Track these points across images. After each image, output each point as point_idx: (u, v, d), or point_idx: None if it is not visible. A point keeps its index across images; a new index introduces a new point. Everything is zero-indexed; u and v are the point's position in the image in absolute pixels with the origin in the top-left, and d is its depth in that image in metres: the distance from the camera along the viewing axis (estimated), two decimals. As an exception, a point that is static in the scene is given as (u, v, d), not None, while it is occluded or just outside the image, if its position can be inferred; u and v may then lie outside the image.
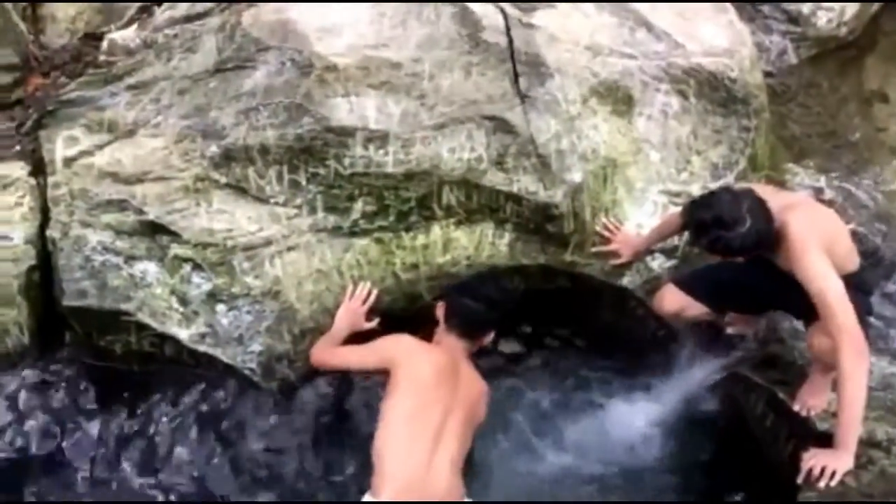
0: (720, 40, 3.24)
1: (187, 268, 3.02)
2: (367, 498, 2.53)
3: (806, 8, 3.89)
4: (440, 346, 2.78)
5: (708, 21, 3.28)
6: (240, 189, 3.08)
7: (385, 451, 2.54)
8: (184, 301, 3.00)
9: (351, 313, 2.98)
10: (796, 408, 2.84)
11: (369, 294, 3.02)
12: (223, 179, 3.07)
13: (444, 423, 2.58)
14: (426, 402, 2.59)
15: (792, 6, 3.88)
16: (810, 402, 2.84)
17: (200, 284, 3.02)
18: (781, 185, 3.38)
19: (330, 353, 2.88)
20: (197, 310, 3.00)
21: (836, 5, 3.91)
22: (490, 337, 2.85)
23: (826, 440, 2.73)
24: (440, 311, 2.83)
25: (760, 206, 2.59)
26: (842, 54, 4.01)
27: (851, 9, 3.93)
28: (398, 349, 2.71)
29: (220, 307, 3.01)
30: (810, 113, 3.80)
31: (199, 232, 3.02)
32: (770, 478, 2.90)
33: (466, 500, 2.61)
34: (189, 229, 3.01)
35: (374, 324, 3.00)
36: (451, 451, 2.58)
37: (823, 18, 3.92)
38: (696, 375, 3.05)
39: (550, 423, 3.09)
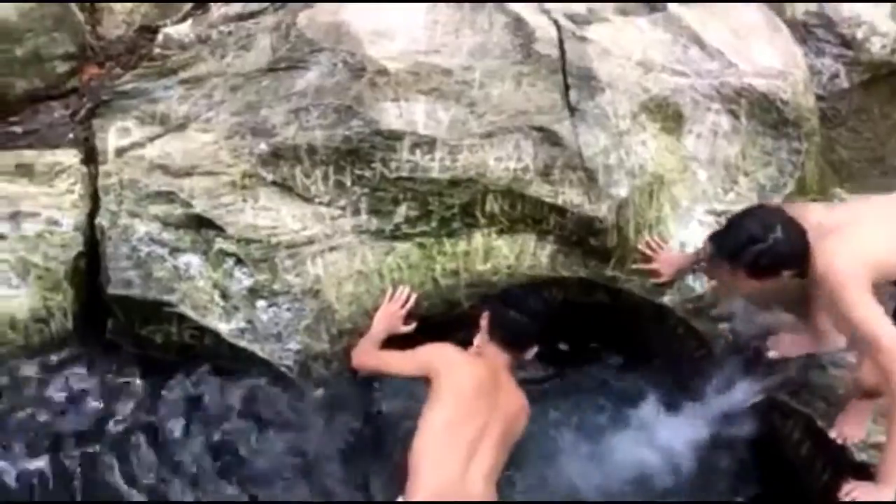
0: (774, 61, 3.22)
1: (230, 262, 3.04)
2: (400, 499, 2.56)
3: (860, 33, 3.86)
4: (482, 358, 2.77)
5: (762, 41, 3.26)
6: (286, 187, 3.11)
7: (420, 460, 2.55)
8: (225, 295, 3.03)
9: (389, 316, 2.99)
10: (833, 436, 2.80)
11: (408, 298, 3.03)
12: (270, 177, 3.10)
13: (482, 436, 2.58)
14: (464, 414, 2.58)
15: (846, 30, 3.84)
16: (848, 431, 2.79)
17: (242, 280, 3.04)
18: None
19: (370, 356, 2.89)
20: (238, 304, 3.03)
21: (891, 31, 3.86)
22: (533, 351, 2.83)
23: (863, 472, 2.70)
24: (484, 321, 2.83)
25: (783, 215, 2.52)
26: (894, 80, 3.96)
27: (906, 35, 3.88)
28: (440, 359, 2.71)
29: (261, 303, 3.04)
30: (860, 138, 3.76)
31: (243, 228, 3.04)
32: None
33: None
34: (234, 225, 3.04)
35: (411, 328, 3.01)
36: (486, 465, 2.57)
37: (877, 44, 3.88)
38: (733, 398, 3.02)
39: (578, 440, 3.06)
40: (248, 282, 3.05)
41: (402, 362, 2.81)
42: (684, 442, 3.01)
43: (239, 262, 3.04)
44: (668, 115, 3.15)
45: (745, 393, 3.02)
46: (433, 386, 2.65)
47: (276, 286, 3.04)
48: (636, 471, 2.92)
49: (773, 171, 3.21)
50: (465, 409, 2.59)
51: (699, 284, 3.13)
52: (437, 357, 2.72)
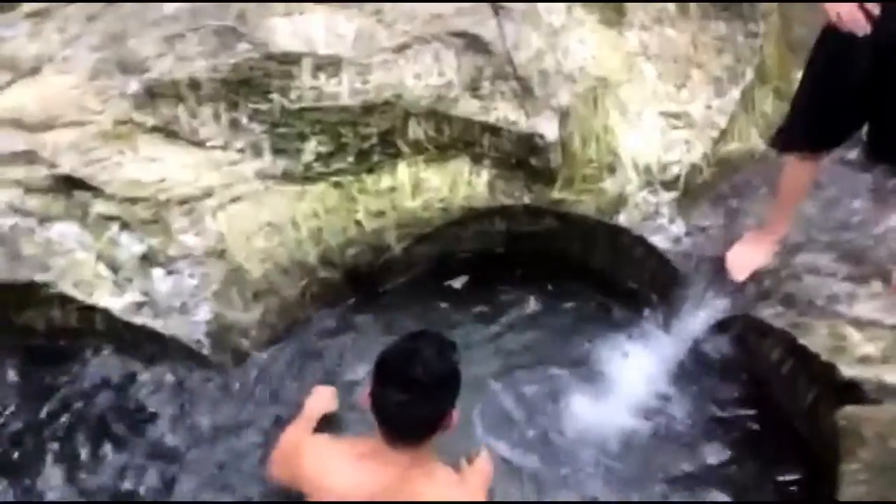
0: (723, -68, 2.79)
1: (114, 228, 2.61)
2: None
3: None
4: (369, 467, 1.95)
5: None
6: (170, 132, 2.66)
7: None
8: (113, 267, 2.60)
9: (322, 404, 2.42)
10: (729, 271, 2.64)
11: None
12: (149, 122, 2.65)
13: None
14: None
15: None
16: (739, 263, 2.63)
17: (131, 246, 2.61)
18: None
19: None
20: (130, 276, 2.60)
21: None
22: (452, 422, 1.97)
23: (853, 389, 2.44)
24: (367, 405, 1.95)
25: None
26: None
27: None
28: (308, 471, 2.03)
29: (157, 272, 2.61)
30: (818, 10, 3.36)
31: (124, 185, 2.61)
32: (788, 432, 2.62)
33: None
34: (112, 182, 2.60)
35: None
36: None
37: None
38: (702, 319, 2.73)
39: (545, 381, 2.72)
40: (138, 248, 2.62)
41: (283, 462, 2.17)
42: (650, 373, 2.72)
43: (124, 225, 2.62)
44: (606, 6, 2.73)
45: (715, 311, 2.72)
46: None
47: (172, 250, 2.61)
48: (599, 410, 2.61)
49: (728, 58, 2.83)
50: None
51: (655, 199, 2.78)
52: (305, 469, 2.03)
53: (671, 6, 2.78)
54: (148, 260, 2.61)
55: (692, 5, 2.79)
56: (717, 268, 2.75)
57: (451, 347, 1.95)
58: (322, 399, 2.44)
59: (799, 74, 3.09)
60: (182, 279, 2.62)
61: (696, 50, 2.82)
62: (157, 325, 2.59)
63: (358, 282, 2.71)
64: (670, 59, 2.80)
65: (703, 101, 2.81)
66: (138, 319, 2.58)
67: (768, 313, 2.66)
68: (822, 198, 2.88)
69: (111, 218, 2.60)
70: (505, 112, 2.60)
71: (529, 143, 2.61)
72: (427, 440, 1.94)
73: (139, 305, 2.59)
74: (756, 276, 2.72)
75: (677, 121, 2.79)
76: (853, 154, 2.96)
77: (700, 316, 2.74)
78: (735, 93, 2.82)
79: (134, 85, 2.63)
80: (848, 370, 2.48)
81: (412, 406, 1.85)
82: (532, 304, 2.80)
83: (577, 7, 2.67)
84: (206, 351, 2.61)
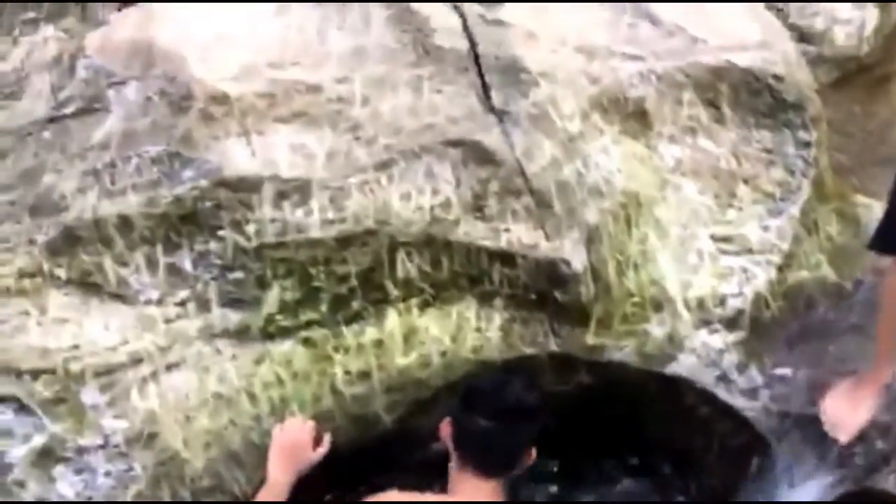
0: (751, 32, 2.42)
1: (7, 412, 1.95)
2: None
3: (818, 23, 3.16)
4: (455, 497, 1.89)
5: (728, 12, 2.47)
6: (90, 286, 2.08)
7: None
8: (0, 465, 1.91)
9: (291, 447, 1.97)
10: (826, 428, 2.03)
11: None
12: (64, 274, 2.07)
13: None
14: None
15: (803, 21, 3.14)
16: (840, 418, 2.02)
17: (29, 436, 1.95)
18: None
19: None
20: (21, 478, 1.92)
21: (855, 17, 3.19)
22: (529, 459, 1.95)
23: None
24: (445, 433, 1.94)
25: None
26: (867, 78, 3.27)
27: (871, 21, 3.22)
28: None
29: (60, 470, 1.94)
30: (852, 140, 2.98)
31: (24, 354, 1.98)
32: None
33: None
34: (9, 352, 1.98)
35: (323, 451, 2.01)
36: None
37: (841, 35, 3.19)
38: (804, 499, 2.04)
39: None
40: (37, 439, 1.95)
41: None
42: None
43: (21, 407, 1.97)
44: (628, 113, 2.29)
45: (819, 487, 2.04)
46: None
47: (83, 439, 1.96)
48: None
49: (779, 172, 2.35)
50: None
51: (719, 340, 2.18)
52: None
53: (703, 115, 2.34)
54: (49, 454, 1.93)
55: (729, 113, 2.35)
56: (812, 428, 2.10)
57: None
58: (289, 454, 1.97)
59: (858, 199, 2.66)
60: (94, 479, 1.94)
61: (739, 163, 2.35)
62: (56, 546, 1.87)
63: (337, 470, 2.01)
64: (709, 174, 2.32)
65: (757, 222, 2.29)
66: (30, 540, 1.87)
67: (892, 482, 2.00)
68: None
69: (3, 399, 1.95)
70: (519, 234, 2.05)
71: (552, 273, 2.05)
72: (506, 475, 1.93)
73: (33, 519, 1.89)
74: (865, 435, 2.08)
75: (729, 245, 2.26)
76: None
77: (801, 495, 2.06)
78: (793, 211, 2.32)
79: (47, 229, 2.08)
80: None
81: (500, 435, 1.88)
82: (565, 486, 2.10)
83: (595, 114, 2.22)
84: (123, 582, 1.87)
